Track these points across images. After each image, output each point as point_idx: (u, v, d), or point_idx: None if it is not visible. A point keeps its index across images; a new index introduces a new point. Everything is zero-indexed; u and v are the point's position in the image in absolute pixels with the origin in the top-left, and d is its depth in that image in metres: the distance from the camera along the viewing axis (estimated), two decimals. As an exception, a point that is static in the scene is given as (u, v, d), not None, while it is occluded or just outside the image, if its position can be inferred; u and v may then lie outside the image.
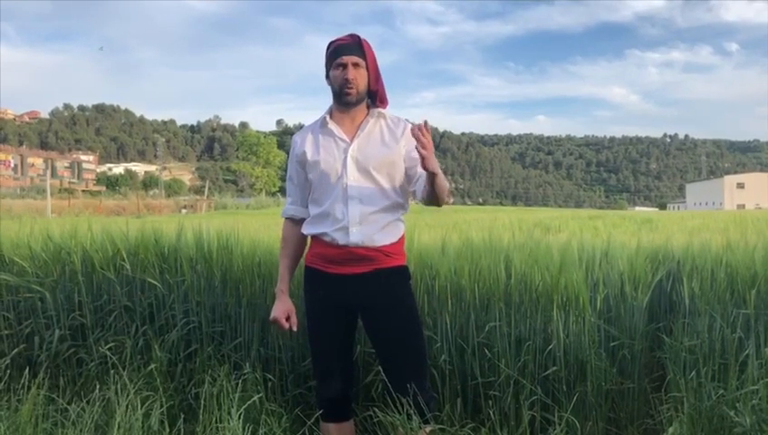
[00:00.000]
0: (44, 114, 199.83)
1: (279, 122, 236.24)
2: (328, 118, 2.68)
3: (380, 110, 2.69)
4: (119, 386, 2.57)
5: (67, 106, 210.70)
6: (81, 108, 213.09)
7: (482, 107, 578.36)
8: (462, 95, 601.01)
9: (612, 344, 3.18)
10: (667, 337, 3.22)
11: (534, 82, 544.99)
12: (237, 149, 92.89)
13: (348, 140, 2.62)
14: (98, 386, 2.76)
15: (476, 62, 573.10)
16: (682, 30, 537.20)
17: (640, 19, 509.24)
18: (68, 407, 2.52)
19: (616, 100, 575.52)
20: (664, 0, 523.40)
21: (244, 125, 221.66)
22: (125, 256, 3.62)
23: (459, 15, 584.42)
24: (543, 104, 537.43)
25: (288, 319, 2.73)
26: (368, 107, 2.70)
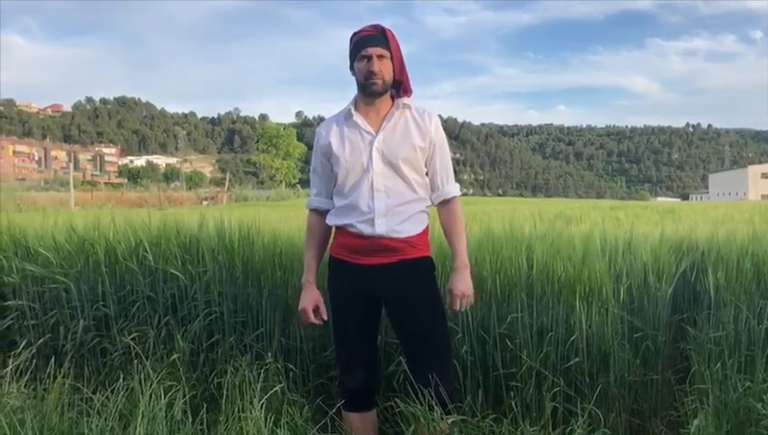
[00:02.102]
0: (67, 108, 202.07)
1: (298, 114, 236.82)
2: (353, 109, 2.66)
3: (405, 101, 2.66)
4: (142, 376, 2.59)
5: (89, 99, 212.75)
6: (103, 101, 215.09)
7: (501, 97, 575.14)
8: (481, 85, 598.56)
9: (636, 336, 3.15)
10: (691, 328, 3.18)
11: (554, 72, 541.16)
12: (257, 141, 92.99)
13: (373, 133, 2.61)
14: (122, 376, 2.78)
15: (495, 52, 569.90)
16: (705, 17, 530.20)
17: (661, 7, 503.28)
18: (93, 396, 2.55)
19: (637, 89, 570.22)
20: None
21: (263, 117, 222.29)
22: (147, 248, 3.64)
23: (477, 5, 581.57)
24: (564, 94, 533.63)
25: (316, 310, 2.73)
26: (392, 98, 2.68)
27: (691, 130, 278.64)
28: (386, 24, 2.62)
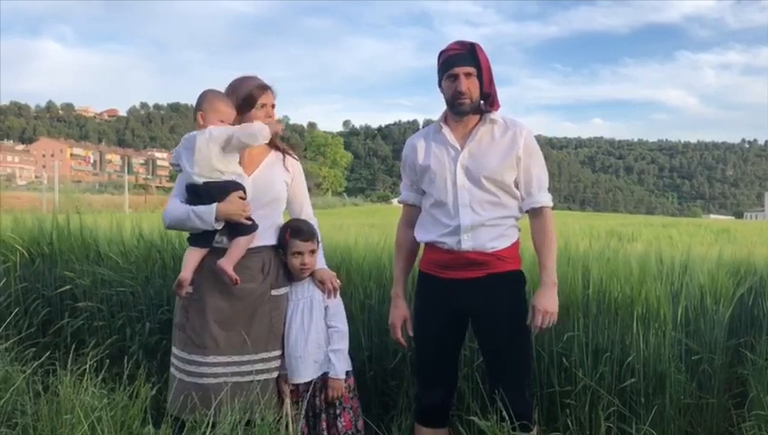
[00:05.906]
0: (122, 112, 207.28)
1: (346, 123, 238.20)
2: (442, 124, 2.69)
3: (492, 115, 2.64)
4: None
5: (143, 105, 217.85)
6: (157, 107, 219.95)
7: (534, 109, 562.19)
8: (510, 97, 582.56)
9: (693, 358, 3.14)
10: (749, 353, 3.16)
11: (585, 84, 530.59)
12: (305, 150, 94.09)
13: (459, 148, 2.62)
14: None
15: (521, 64, 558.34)
16: (735, 31, 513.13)
17: (688, 20, 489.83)
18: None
19: (674, 103, 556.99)
20: (712, 0, 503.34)
21: (312, 125, 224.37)
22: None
23: (497, 17, 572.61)
24: (598, 106, 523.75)
25: (404, 325, 2.77)
26: (481, 111, 2.66)
27: (747, 146, 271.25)
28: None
